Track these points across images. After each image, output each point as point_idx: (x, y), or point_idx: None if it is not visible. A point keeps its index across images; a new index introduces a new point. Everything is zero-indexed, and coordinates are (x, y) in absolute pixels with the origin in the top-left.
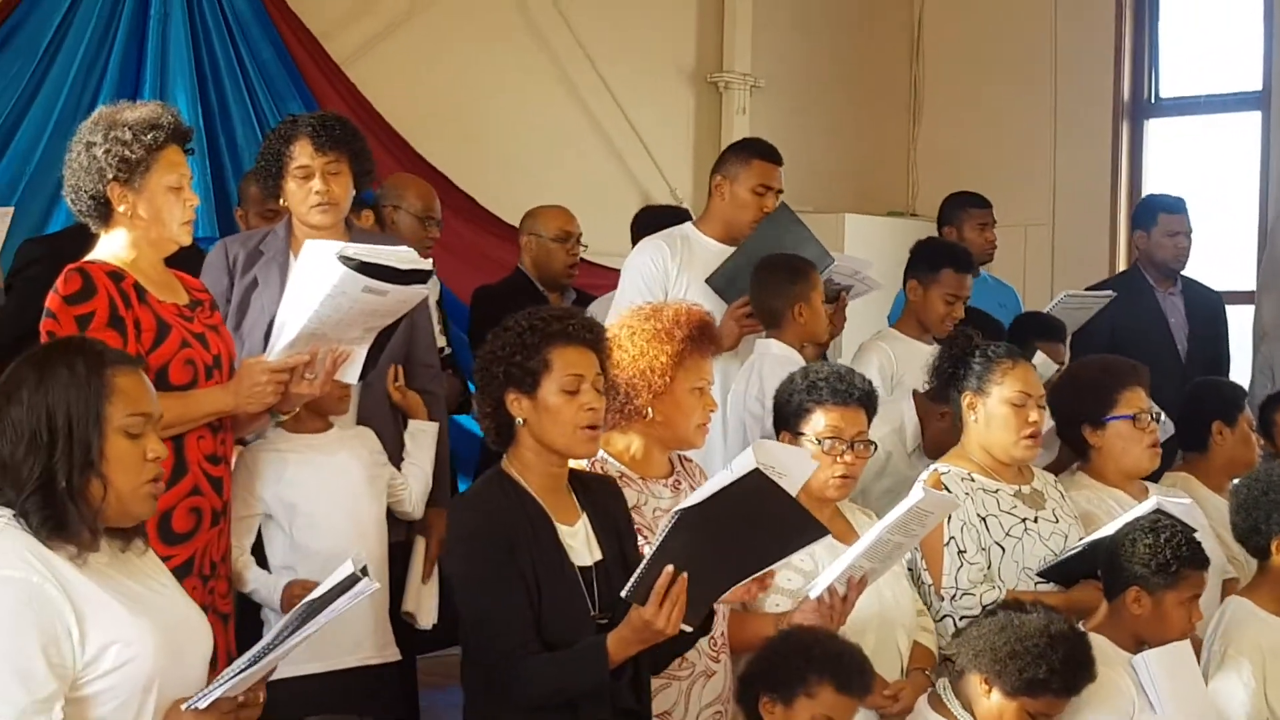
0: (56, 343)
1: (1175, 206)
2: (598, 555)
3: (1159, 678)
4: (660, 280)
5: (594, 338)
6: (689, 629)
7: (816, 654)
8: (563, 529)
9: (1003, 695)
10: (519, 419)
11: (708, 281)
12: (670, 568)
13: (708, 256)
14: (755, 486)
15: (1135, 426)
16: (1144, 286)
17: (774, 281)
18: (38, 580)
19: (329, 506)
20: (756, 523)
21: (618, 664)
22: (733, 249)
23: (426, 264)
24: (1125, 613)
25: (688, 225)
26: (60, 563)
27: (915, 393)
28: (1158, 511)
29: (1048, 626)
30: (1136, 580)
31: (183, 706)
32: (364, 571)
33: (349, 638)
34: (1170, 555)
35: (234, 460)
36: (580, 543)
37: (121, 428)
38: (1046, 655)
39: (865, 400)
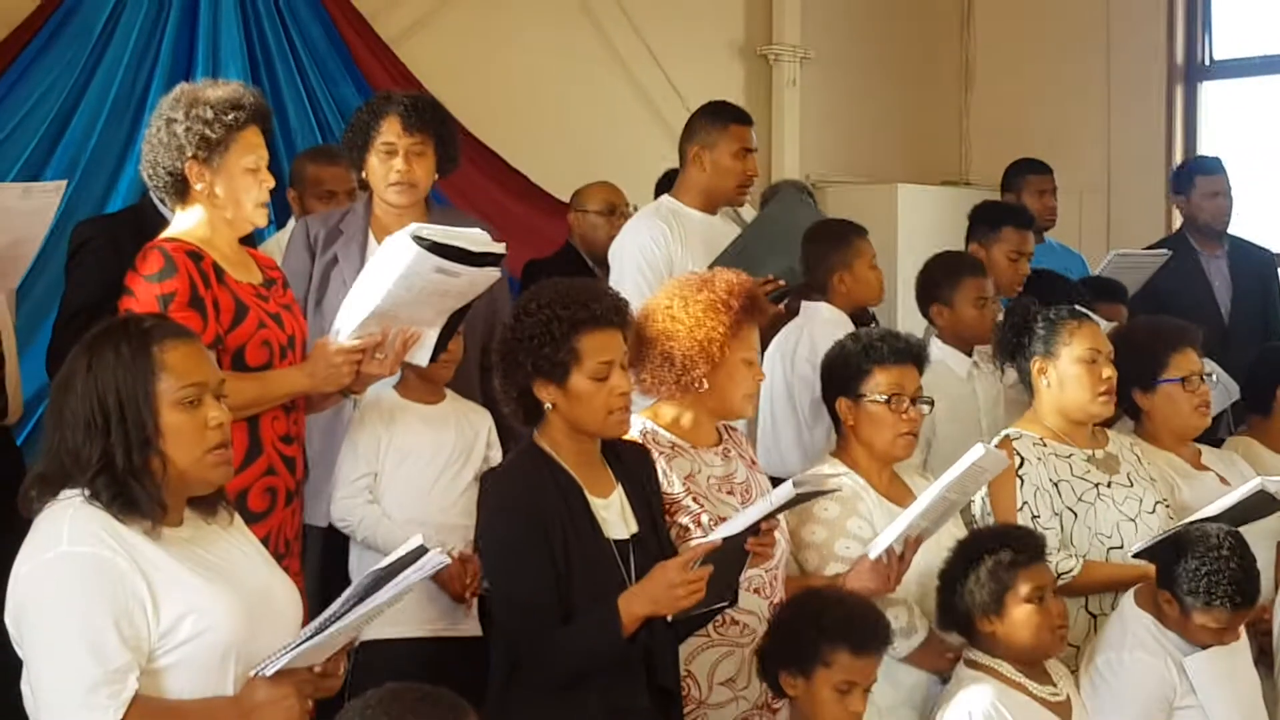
0: (104, 327)
1: (1211, 167)
2: (634, 528)
3: (1207, 682)
4: (665, 261)
5: (620, 318)
6: (725, 603)
7: (827, 622)
8: (596, 502)
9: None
10: (548, 404)
11: (713, 266)
12: (720, 540)
13: (698, 229)
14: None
15: (1185, 389)
16: (1188, 250)
17: (815, 249)
18: (108, 554)
19: (408, 481)
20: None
21: (632, 626)
22: (715, 218)
23: (499, 247)
24: (1161, 605)
25: (670, 200)
26: (133, 537)
27: None
28: (1227, 532)
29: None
30: (1170, 588)
31: (251, 673)
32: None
33: (431, 607)
34: (1206, 586)
35: (351, 418)
36: (615, 515)
37: (176, 401)
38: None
39: (918, 358)
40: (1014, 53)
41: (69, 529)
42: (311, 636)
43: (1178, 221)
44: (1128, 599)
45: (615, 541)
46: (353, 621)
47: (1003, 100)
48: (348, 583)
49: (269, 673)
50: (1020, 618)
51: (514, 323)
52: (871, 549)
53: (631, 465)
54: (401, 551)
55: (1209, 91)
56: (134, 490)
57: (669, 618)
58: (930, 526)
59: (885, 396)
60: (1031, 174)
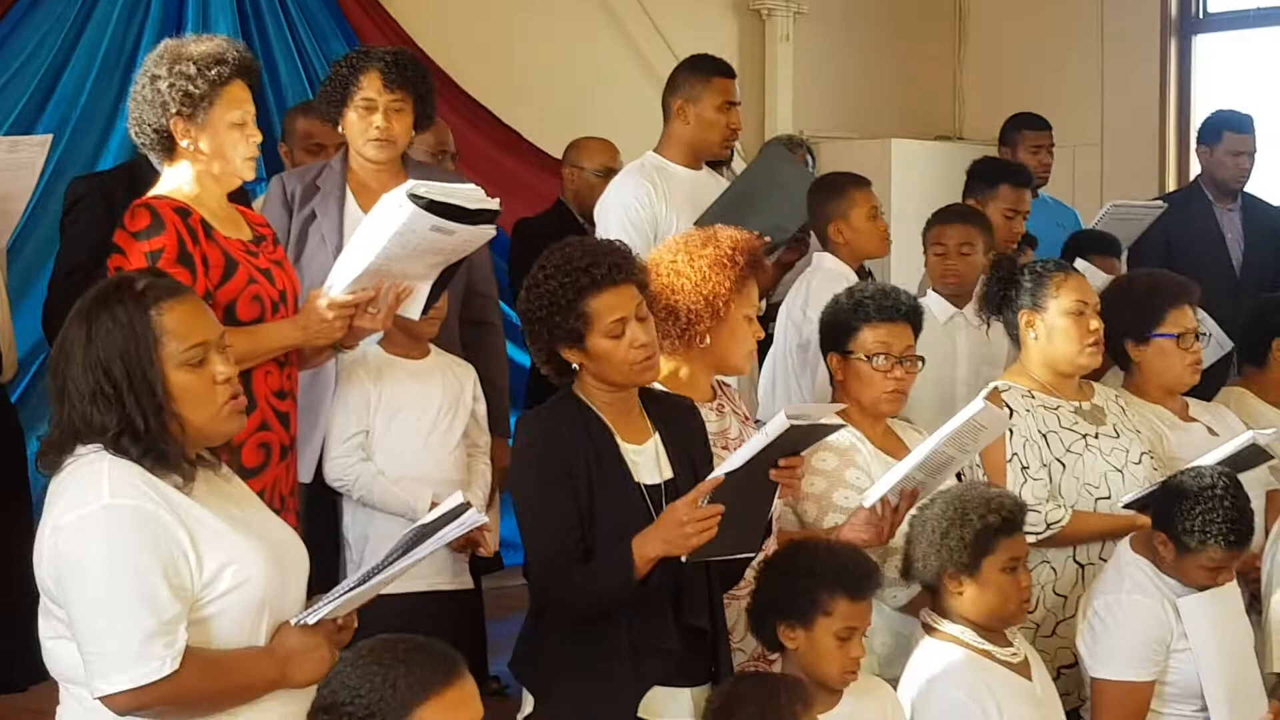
0: (97, 292)
1: (1241, 125)
2: (668, 474)
3: (1200, 624)
4: (650, 221)
5: (625, 272)
6: (752, 554)
7: (821, 571)
8: (629, 448)
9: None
10: (576, 364)
11: (697, 224)
12: (723, 475)
13: (683, 185)
14: (790, 436)
15: (1179, 346)
16: (1203, 201)
17: (811, 203)
18: (151, 507)
19: (401, 436)
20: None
21: (645, 568)
22: (700, 173)
23: (494, 203)
24: (1156, 547)
25: (654, 155)
26: (168, 488)
27: None
28: (1222, 473)
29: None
30: (1165, 529)
31: (291, 622)
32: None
33: (428, 562)
34: (1201, 525)
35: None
36: (648, 460)
37: (180, 363)
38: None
39: (911, 315)
40: (1007, 6)
41: (109, 481)
42: (355, 587)
43: (1171, 176)
44: (1124, 544)
45: (646, 487)
46: (393, 574)
47: (996, 54)
48: (337, 539)
49: (311, 621)
50: (992, 584)
51: (526, 295)
52: (866, 497)
53: (672, 414)
54: (444, 508)
55: (1203, 44)
56: (161, 446)
57: (684, 559)
58: (928, 481)
59: (870, 355)
60: (1028, 129)
